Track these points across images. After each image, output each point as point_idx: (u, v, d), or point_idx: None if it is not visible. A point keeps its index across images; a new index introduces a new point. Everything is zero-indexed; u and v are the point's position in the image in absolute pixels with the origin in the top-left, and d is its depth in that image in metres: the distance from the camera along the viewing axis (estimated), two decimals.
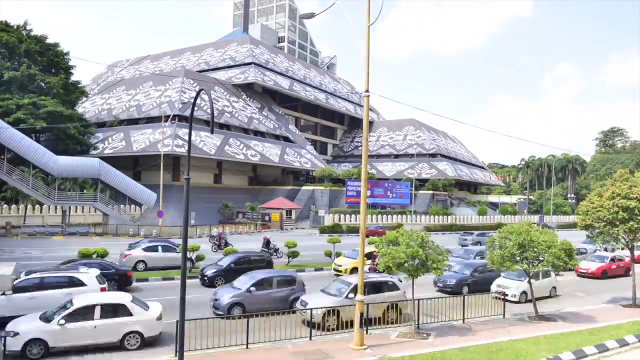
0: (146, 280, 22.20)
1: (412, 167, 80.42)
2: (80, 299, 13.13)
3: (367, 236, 34.53)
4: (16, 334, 11.80)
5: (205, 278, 21.22)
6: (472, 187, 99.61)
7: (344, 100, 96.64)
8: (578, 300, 21.09)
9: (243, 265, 21.81)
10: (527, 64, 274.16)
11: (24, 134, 41.16)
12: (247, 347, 12.99)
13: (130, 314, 13.00)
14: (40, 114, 50.66)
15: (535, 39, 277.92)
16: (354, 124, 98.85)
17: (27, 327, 12.16)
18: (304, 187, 65.09)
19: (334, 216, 54.21)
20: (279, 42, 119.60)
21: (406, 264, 14.34)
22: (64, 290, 14.80)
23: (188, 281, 13.96)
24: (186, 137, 51.20)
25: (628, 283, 21.21)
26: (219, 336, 12.82)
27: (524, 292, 19.93)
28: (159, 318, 13.49)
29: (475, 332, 15.28)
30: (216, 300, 16.44)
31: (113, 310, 12.93)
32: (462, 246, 38.61)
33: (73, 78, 61.66)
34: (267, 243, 30.69)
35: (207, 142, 56.94)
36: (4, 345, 11.44)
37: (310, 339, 13.90)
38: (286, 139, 73.04)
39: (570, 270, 25.86)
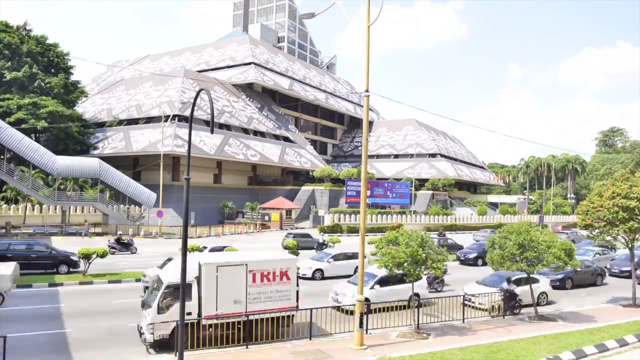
0: None
1: (412, 167, 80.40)
2: None
3: None
4: None
5: None
6: (472, 187, 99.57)
7: (344, 100, 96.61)
8: (578, 300, 21.08)
9: None
10: (524, 61, 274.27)
11: (24, 134, 41.16)
12: (247, 347, 13.00)
13: None
14: (40, 114, 50.70)
15: (534, 38, 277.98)
16: (354, 124, 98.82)
17: None
18: (304, 187, 65.06)
19: (334, 216, 54.19)
20: (278, 42, 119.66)
21: (406, 264, 14.36)
22: None
23: None
24: (186, 137, 51.10)
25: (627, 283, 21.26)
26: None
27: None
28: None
29: (475, 332, 15.26)
30: None
31: None
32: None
33: (73, 78, 61.70)
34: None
35: (207, 142, 56.92)
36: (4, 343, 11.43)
37: (310, 339, 13.88)
38: (286, 139, 73.01)
39: None
